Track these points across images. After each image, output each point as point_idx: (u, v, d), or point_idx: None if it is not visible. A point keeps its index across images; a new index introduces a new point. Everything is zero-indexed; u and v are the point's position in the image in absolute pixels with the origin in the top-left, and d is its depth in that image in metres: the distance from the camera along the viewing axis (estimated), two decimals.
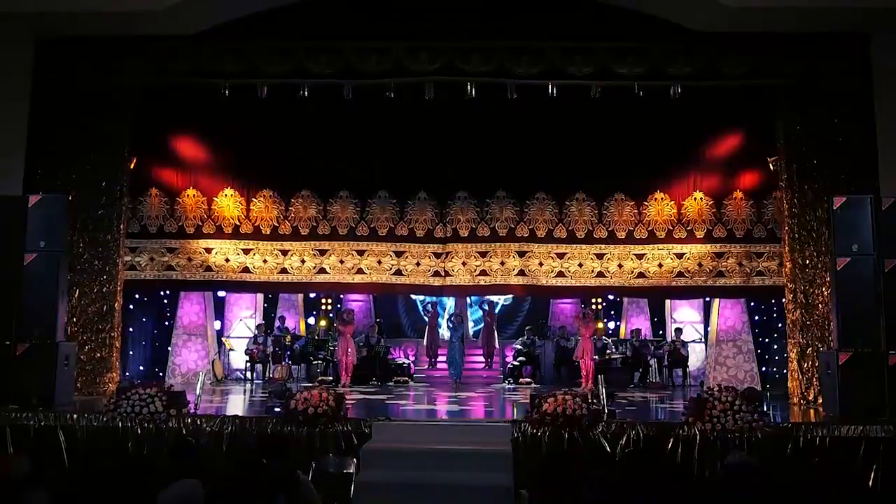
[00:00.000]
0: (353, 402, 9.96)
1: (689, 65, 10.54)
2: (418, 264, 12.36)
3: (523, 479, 6.93)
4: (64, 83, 10.53)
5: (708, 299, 14.29)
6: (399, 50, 10.59)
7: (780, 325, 12.92)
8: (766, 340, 13.87)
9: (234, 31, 10.47)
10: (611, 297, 15.74)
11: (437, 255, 12.36)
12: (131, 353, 13.47)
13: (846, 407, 8.57)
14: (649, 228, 12.15)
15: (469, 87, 10.76)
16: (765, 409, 8.31)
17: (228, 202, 12.33)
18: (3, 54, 10.31)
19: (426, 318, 15.87)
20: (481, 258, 12.33)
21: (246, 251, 12.33)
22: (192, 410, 8.27)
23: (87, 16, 9.91)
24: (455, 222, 12.35)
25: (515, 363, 14.39)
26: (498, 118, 11.50)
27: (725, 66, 10.50)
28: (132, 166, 11.40)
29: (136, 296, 13.43)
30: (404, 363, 14.35)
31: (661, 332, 15.11)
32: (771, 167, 11.51)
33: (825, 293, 10.24)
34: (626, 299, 15.53)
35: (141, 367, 13.85)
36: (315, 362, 14.35)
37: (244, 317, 14.99)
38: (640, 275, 12.16)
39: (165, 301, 14.53)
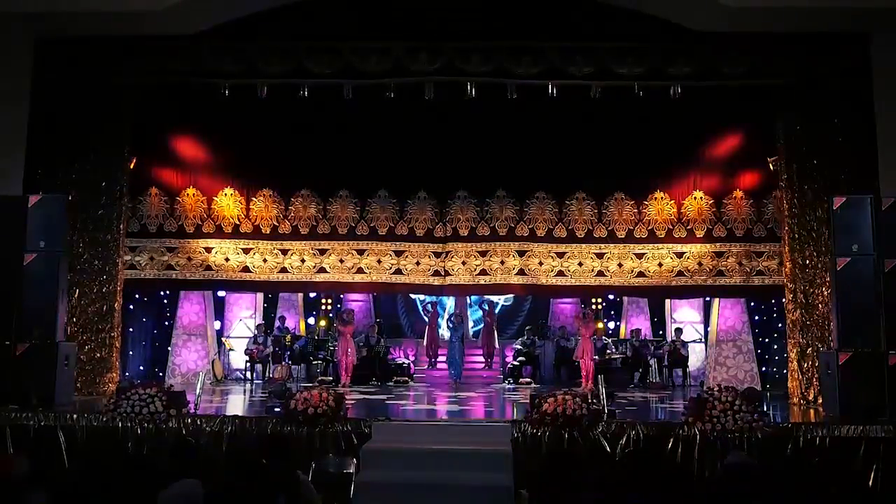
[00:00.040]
0: (353, 402, 9.97)
1: (689, 65, 10.53)
2: (418, 263, 12.36)
3: (523, 479, 6.92)
4: (64, 83, 10.51)
5: (708, 299, 14.30)
6: (399, 50, 10.58)
7: (780, 325, 12.93)
8: (766, 340, 13.89)
9: (234, 31, 10.45)
10: (611, 296, 15.74)
11: (437, 255, 12.36)
12: (131, 353, 13.49)
13: (846, 407, 8.58)
14: (649, 228, 12.16)
15: (469, 87, 10.75)
16: (765, 409, 8.31)
17: (228, 201, 12.33)
18: (3, 54, 10.30)
19: (426, 319, 15.86)
20: (481, 257, 12.33)
21: (246, 250, 12.33)
22: (192, 410, 8.27)
23: (87, 16, 9.89)
24: (455, 221, 12.35)
25: (515, 363, 14.39)
26: (498, 118, 11.49)
27: (725, 66, 10.50)
28: (132, 166, 11.40)
29: (136, 296, 13.45)
30: (404, 363, 14.35)
31: (661, 332, 15.11)
32: (771, 167, 11.52)
33: (825, 293, 10.24)
34: (626, 299, 15.54)
35: (141, 367, 13.86)
36: (315, 362, 14.34)
37: (244, 317, 14.99)
38: (640, 274, 12.16)
39: (165, 301, 14.53)
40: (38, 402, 8.44)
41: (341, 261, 12.36)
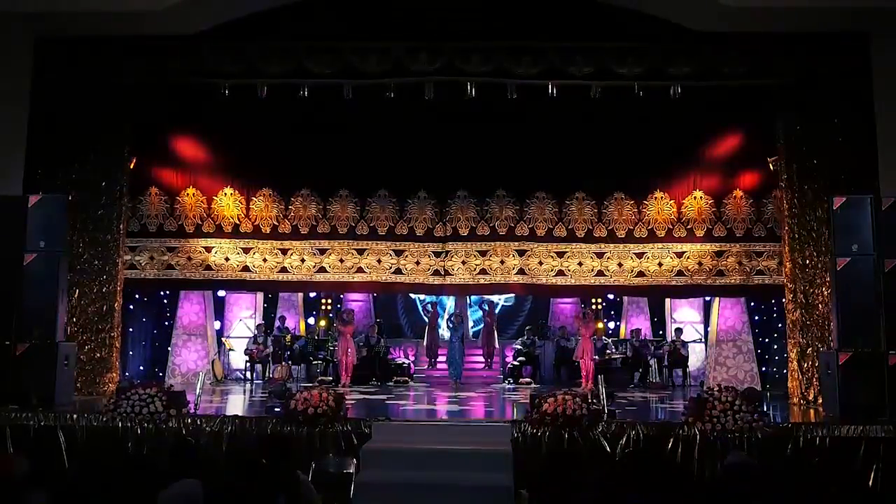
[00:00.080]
0: (353, 402, 9.97)
1: (689, 65, 10.53)
2: (418, 263, 12.37)
3: (523, 479, 6.93)
4: (64, 83, 10.51)
5: (708, 299, 14.31)
6: (399, 50, 10.58)
7: (780, 325, 12.93)
8: (766, 340, 13.89)
9: (234, 31, 10.45)
10: (611, 296, 15.75)
11: (437, 254, 12.36)
12: (131, 353, 13.49)
13: (846, 407, 8.57)
14: (649, 227, 12.17)
15: (469, 87, 10.74)
16: (765, 409, 8.31)
17: (228, 201, 12.34)
18: (3, 54, 10.30)
19: (426, 319, 15.87)
20: (481, 257, 12.34)
21: (246, 250, 12.34)
22: (192, 410, 8.27)
23: (86, 16, 9.90)
24: (455, 221, 12.36)
25: (515, 363, 14.39)
26: (498, 118, 11.50)
27: (725, 66, 10.49)
28: (132, 166, 11.40)
29: (136, 296, 13.45)
30: (404, 363, 14.35)
31: (661, 332, 15.11)
32: (771, 167, 11.51)
33: (825, 293, 10.24)
34: (625, 299, 15.55)
35: (141, 367, 13.87)
36: (315, 362, 14.35)
37: (244, 317, 14.99)
38: (640, 273, 12.17)
39: (165, 301, 14.53)
40: (38, 402, 8.43)
41: (341, 260, 12.36)
